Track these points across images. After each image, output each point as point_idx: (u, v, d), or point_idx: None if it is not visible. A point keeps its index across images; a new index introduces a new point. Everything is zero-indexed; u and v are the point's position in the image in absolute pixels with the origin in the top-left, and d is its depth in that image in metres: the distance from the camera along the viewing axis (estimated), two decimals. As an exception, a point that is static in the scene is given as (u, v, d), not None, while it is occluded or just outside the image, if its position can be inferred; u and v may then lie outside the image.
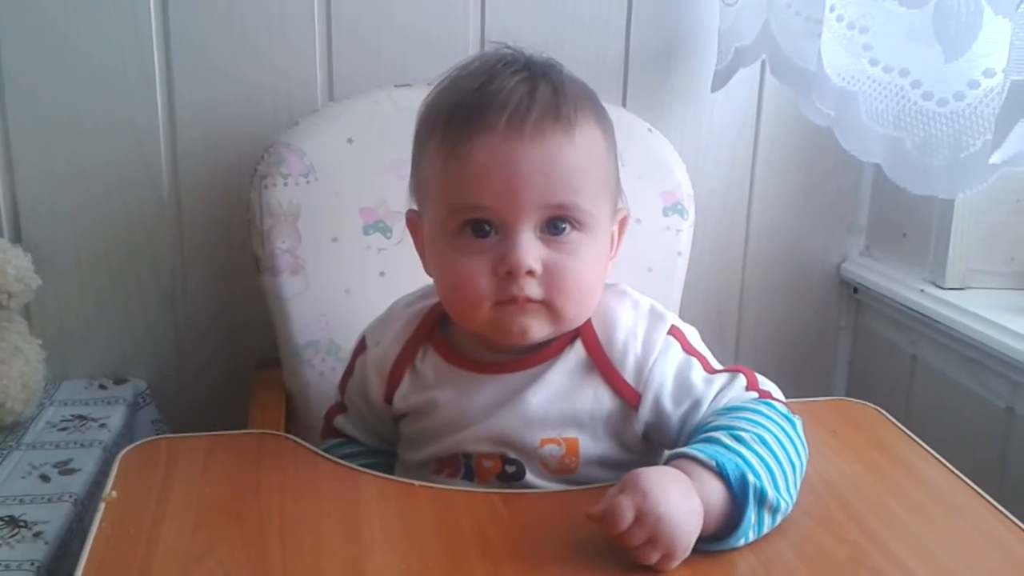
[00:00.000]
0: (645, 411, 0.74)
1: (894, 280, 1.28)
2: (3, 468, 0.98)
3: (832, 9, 0.98)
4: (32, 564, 0.81)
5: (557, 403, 0.74)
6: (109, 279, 1.21)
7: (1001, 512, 0.69)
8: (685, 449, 0.66)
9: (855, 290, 1.38)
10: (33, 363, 1.10)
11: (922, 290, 1.22)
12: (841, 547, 0.65)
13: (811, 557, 0.64)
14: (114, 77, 1.15)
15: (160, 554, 0.63)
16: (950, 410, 1.17)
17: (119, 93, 1.16)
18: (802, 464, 0.69)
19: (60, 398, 1.17)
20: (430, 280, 0.78)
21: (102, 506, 0.68)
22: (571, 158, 0.70)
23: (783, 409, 0.72)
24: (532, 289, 0.70)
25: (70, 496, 0.92)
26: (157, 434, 1.16)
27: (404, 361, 0.79)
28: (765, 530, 0.65)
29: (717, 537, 0.63)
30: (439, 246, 0.73)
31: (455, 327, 0.78)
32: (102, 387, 1.21)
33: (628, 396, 0.74)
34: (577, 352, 0.75)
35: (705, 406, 0.72)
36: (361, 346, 0.84)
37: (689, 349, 0.75)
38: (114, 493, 0.70)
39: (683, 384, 0.73)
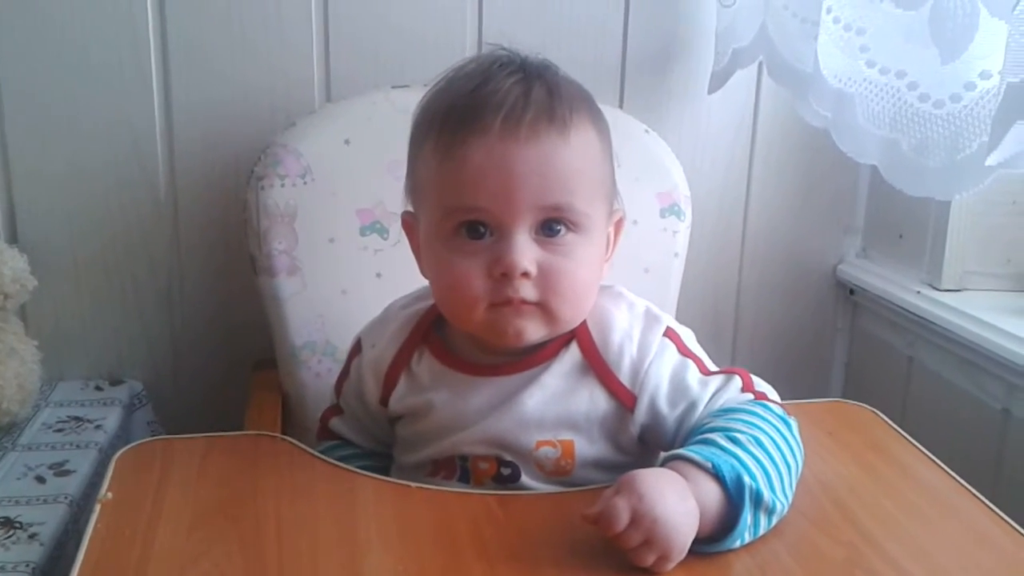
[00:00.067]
0: (641, 413, 0.74)
1: (890, 281, 1.28)
2: (-1, 469, 0.98)
3: (829, 11, 0.99)
4: (27, 566, 0.80)
5: (553, 405, 0.74)
6: (105, 280, 1.21)
7: (996, 513, 0.69)
8: (681, 451, 0.66)
9: (851, 291, 1.38)
10: (29, 364, 1.09)
11: (918, 292, 1.22)
12: (837, 548, 0.65)
13: (807, 558, 0.64)
14: (111, 77, 1.15)
15: (156, 555, 0.63)
16: (946, 411, 1.17)
17: (116, 93, 1.16)
18: (798, 465, 0.70)
19: (56, 399, 1.16)
20: (426, 281, 0.78)
21: (98, 507, 0.68)
22: (566, 159, 0.70)
23: (779, 410, 0.72)
24: (527, 291, 0.70)
25: (66, 497, 0.92)
26: (153, 435, 1.17)
27: (400, 363, 0.79)
28: (761, 531, 0.65)
29: (713, 539, 0.63)
30: (434, 247, 0.73)
31: (451, 329, 0.78)
32: (98, 388, 1.20)
33: (624, 398, 0.74)
34: (572, 354, 0.75)
35: (701, 408, 0.72)
36: (357, 348, 0.84)
37: (684, 351, 0.75)
38: (110, 494, 0.70)
39: (679, 386, 0.73)
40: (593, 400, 0.74)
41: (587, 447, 0.75)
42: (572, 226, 0.71)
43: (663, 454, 0.69)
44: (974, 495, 0.71)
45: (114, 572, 0.61)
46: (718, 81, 1.23)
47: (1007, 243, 1.18)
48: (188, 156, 1.19)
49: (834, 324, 1.41)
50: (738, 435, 0.67)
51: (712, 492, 0.63)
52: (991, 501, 0.70)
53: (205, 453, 0.76)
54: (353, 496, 0.71)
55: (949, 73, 0.87)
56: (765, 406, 0.71)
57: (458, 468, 0.76)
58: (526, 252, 0.69)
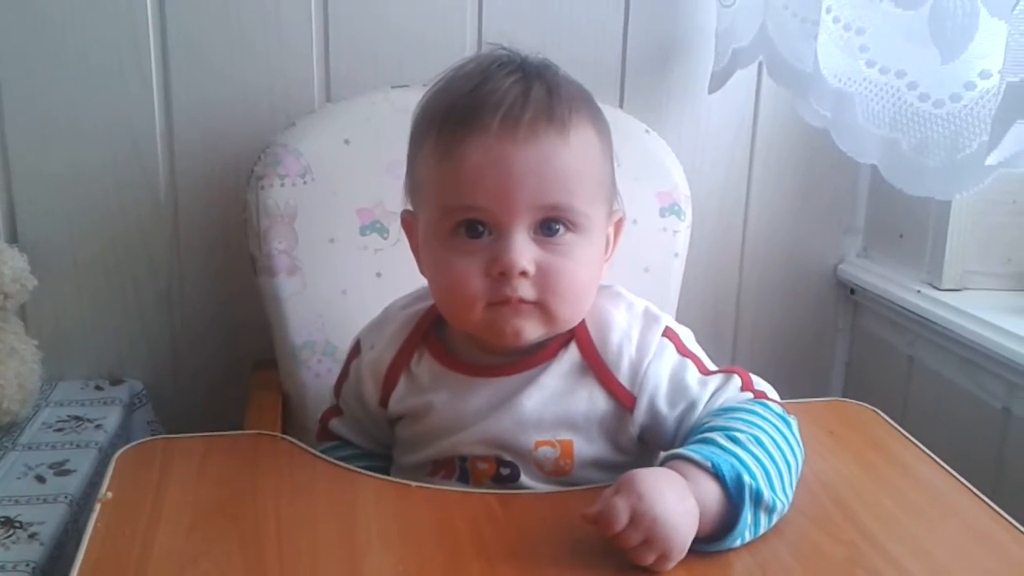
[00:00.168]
0: (640, 413, 0.74)
1: (891, 281, 1.28)
2: (-1, 469, 0.98)
3: (828, 11, 0.99)
4: (27, 565, 0.80)
5: (552, 405, 0.74)
6: (105, 280, 1.21)
7: (997, 512, 0.69)
8: (680, 450, 0.66)
9: (852, 291, 1.38)
10: (29, 364, 1.09)
11: (919, 291, 1.22)
12: (838, 547, 0.65)
13: (808, 557, 0.64)
14: (111, 77, 1.15)
15: (156, 555, 0.63)
16: (946, 411, 1.17)
17: (116, 93, 1.16)
18: (798, 464, 0.70)
19: (56, 399, 1.16)
20: (426, 281, 0.78)
21: (98, 507, 0.68)
22: (565, 159, 0.70)
23: (778, 409, 0.72)
24: (525, 290, 0.70)
25: (66, 497, 0.92)
26: (153, 435, 1.16)
27: (399, 365, 0.79)
28: (761, 531, 0.65)
29: (713, 538, 0.63)
30: (433, 247, 0.73)
31: (450, 330, 0.78)
32: (98, 388, 1.20)
33: (623, 398, 0.74)
34: (571, 354, 0.75)
35: (700, 407, 0.72)
36: (356, 349, 0.84)
37: (684, 351, 0.75)
38: (110, 494, 0.70)
39: (678, 386, 0.73)
40: (592, 400, 0.74)
41: (586, 447, 0.75)
42: (571, 226, 0.71)
43: (662, 453, 0.69)
44: (975, 494, 0.71)
45: (114, 571, 0.61)
46: (718, 81, 1.23)
47: (1007, 242, 1.18)
48: (188, 156, 1.19)
49: (835, 324, 1.41)
50: (738, 434, 0.67)
51: (712, 491, 0.63)
52: (992, 500, 0.70)
53: (205, 453, 0.76)
54: (353, 495, 0.71)
55: (949, 73, 0.87)
56: (765, 405, 0.71)
57: (457, 468, 0.76)
58: (524, 251, 0.69)
